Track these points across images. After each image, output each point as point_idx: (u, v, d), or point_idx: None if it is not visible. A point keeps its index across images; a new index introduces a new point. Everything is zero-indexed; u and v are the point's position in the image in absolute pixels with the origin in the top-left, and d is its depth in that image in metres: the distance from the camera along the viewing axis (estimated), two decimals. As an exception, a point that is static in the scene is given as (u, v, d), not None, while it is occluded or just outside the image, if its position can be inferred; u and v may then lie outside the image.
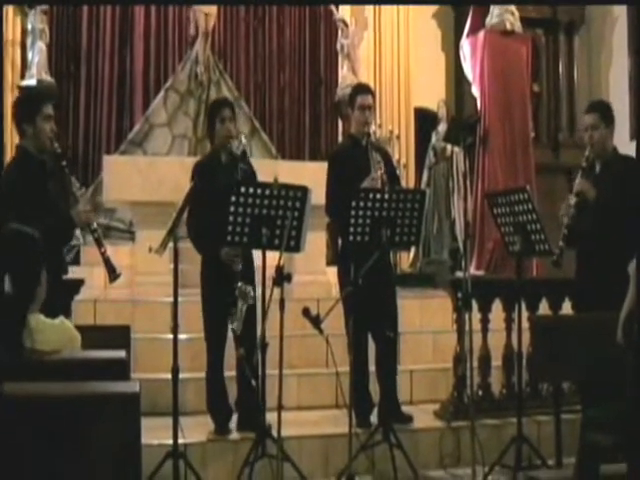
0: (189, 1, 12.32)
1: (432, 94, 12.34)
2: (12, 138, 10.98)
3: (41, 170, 5.17)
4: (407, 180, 11.84)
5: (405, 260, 11.54)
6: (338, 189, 6.09)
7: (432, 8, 13.12)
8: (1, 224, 4.78)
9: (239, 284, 5.48)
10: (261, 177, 5.87)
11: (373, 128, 8.58)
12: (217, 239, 5.37)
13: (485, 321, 6.57)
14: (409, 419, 6.23)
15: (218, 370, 5.93)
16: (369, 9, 12.69)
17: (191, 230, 6.02)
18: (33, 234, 3.58)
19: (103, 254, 5.09)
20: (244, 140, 5.96)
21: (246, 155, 5.88)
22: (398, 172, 7.99)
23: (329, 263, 9.01)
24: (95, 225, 5.20)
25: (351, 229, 5.43)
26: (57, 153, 5.18)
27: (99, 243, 5.13)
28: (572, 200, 5.67)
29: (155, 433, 5.27)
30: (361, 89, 6.61)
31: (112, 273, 5.11)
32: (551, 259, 5.68)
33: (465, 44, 10.94)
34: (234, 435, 5.92)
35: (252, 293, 5.50)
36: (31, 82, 11.20)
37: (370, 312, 5.84)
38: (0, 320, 3.35)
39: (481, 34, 10.63)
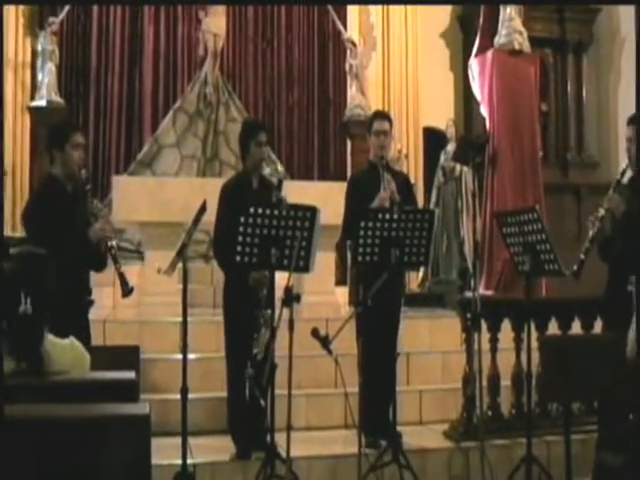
0: (199, 1, 12.38)
1: (441, 114, 12.37)
2: (14, 157, 11.13)
3: (66, 196, 5.32)
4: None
5: (414, 280, 11.52)
6: (354, 213, 6.10)
7: (440, 28, 13.17)
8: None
9: (265, 311, 5.41)
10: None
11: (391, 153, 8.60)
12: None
13: (494, 341, 6.56)
14: (398, 437, 6.04)
15: (241, 393, 5.89)
16: (377, 29, 12.72)
17: (218, 252, 6.02)
18: (44, 254, 3.60)
19: (118, 269, 5.17)
20: (281, 168, 5.98)
21: (282, 185, 5.89)
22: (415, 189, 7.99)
23: (338, 283, 9.01)
24: (113, 242, 5.27)
25: (360, 249, 5.43)
26: (83, 179, 5.32)
27: (115, 259, 5.25)
28: (600, 213, 5.62)
29: (164, 453, 5.28)
30: (377, 115, 6.76)
31: (125, 288, 5.17)
32: (571, 270, 5.63)
33: (473, 64, 10.95)
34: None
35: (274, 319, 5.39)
36: (41, 103, 11.25)
37: (378, 332, 5.83)
38: (21, 338, 3.38)
39: (489, 54, 10.64)
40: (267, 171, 6.04)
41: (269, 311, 5.44)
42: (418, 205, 6.98)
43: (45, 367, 3.44)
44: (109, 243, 5.25)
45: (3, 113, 10.45)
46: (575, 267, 5.59)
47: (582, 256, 5.61)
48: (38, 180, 9.92)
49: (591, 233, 5.62)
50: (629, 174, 5.81)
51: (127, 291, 5.19)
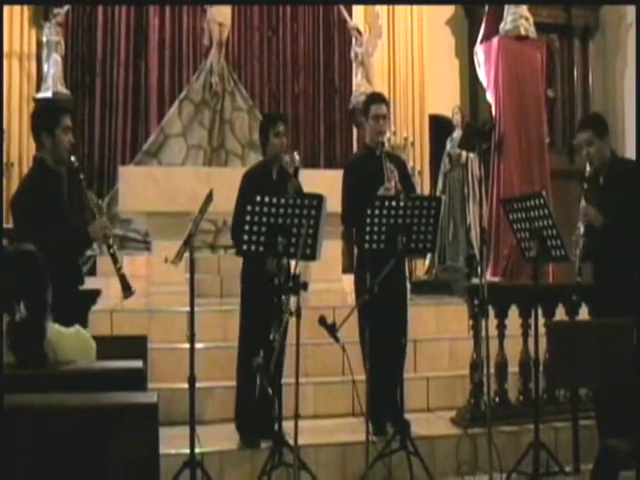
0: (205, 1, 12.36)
1: (446, 101, 12.34)
2: (21, 149, 11.13)
3: (57, 182, 5.19)
4: (422, 187, 11.84)
5: (420, 267, 11.52)
6: (353, 199, 6.10)
7: (446, 15, 13.13)
8: (19, 235, 4.86)
9: (285, 297, 5.38)
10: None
11: (388, 136, 8.57)
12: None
13: (501, 327, 6.56)
14: (407, 425, 5.99)
15: (251, 382, 5.90)
16: (383, 16, 12.69)
17: (236, 239, 6.02)
18: (32, 250, 3.59)
19: (118, 270, 5.11)
20: (297, 157, 5.96)
21: (298, 173, 5.91)
22: (413, 179, 7.99)
23: (345, 271, 9.02)
24: (112, 241, 5.22)
25: (367, 237, 5.43)
26: (74, 167, 5.22)
27: (115, 259, 5.14)
28: (581, 230, 5.57)
29: (172, 442, 5.28)
30: (375, 98, 6.62)
31: (126, 290, 5.12)
32: (571, 298, 5.63)
33: (479, 50, 10.92)
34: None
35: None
36: (47, 94, 11.26)
37: (384, 319, 5.82)
38: (22, 339, 3.38)
39: (495, 40, 10.61)
40: (286, 160, 6.03)
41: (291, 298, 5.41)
42: (415, 187, 6.94)
43: (49, 362, 3.45)
44: (109, 242, 5.20)
45: (3, 107, 10.44)
46: (574, 297, 5.58)
47: (578, 279, 5.61)
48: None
49: (579, 252, 5.58)
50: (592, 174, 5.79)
51: (128, 294, 5.14)
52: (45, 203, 4.98)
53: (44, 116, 5.33)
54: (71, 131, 5.27)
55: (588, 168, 5.75)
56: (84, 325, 5.18)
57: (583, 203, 5.63)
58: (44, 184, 5.11)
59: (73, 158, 5.23)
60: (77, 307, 5.19)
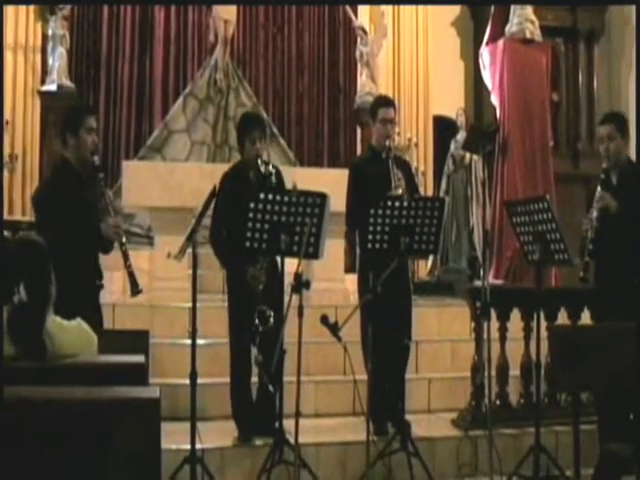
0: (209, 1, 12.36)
1: (451, 102, 12.34)
2: (25, 141, 11.13)
3: (78, 181, 5.25)
4: (425, 188, 11.84)
5: (423, 268, 11.51)
6: (357, 201, 6.08)
7: (451, 16, 13.12)
8: (38, 231, 4.90)
9: (259, 307, 5.41)
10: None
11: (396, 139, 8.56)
12: (241, 256, 5.40)
13: (503, 330, 6.54)
14: (408, 426, 5.99)
15: (244, 379, 5.91)
16: (388, 16, 12.69)
17: (213, 243, 6.05)
18: (37, 241, 3.60)
19: (128, 268, 5.12)
20: (272, 169, 5.88)
21: (278, 175, 5.91)
22: (417, 180, 7.97)
23: (347, 270, 9.01)
24: (124, 239, 5.23)
25: (370, 237, 5.42)
26: (95, 166, 5.27)
27: (126, 256, 5.15)
28: (594, 214, 5.58)
29: (173, 438, 5.28)
30: (383, 102, 6.54)
31: (134, 288, 5.13)
32: (579, 276, 5.60)
33: (484, 52, 10.92)
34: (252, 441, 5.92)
35: (271, 316, 5.43)
36: (51, 87, 11.27)
37: (387, 319, 5.81)
38: (20, 325, 3.37)
39: (501, 42, 10.61)
40: (263, 168, 5.90)
41: (268, 310, 5.43)
42: (419, 188, 6.94)
43: (49, 353, 3.43)
44: (121, 239, 5.21)
45: (3, 106, 10.44)
46: (582, 273, 5.56)
47: (587, 259, 5.56)
48: (51, 164, 9.90)
49: (590, 235, 5.57)
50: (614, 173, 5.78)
51: (136, 292, 5.15)
52: (65, 204, 5.05)
53: (70, 116, 5.46)
54: (94, 132, 5.38)
55: (604, 165, 5.74)
56: (101, 318, 5.24)
57: (599, 189, 5.62)
58: (64, 182, 5.21)
59: (95, 158, 5.32)
60: (97, 303, 5.25)
